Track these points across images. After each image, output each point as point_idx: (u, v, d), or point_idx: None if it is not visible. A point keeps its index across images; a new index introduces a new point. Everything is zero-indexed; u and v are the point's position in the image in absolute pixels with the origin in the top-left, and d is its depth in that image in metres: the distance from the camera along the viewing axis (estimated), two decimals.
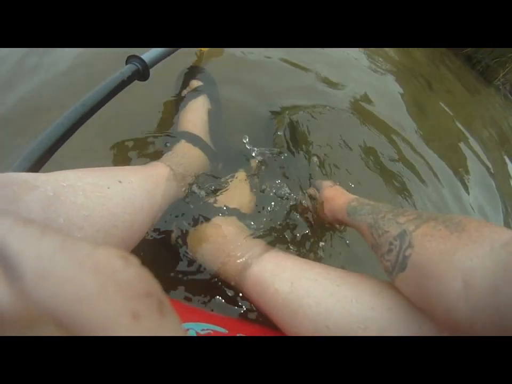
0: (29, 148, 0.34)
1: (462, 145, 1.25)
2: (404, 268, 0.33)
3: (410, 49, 1.69)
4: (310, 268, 0.40)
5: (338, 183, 0.59)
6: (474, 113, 1.79)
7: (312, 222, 0.59)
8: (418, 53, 1.76)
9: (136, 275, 0.12)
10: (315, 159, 0.69)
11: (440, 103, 1.42)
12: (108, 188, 0.34)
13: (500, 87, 2.72)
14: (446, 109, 1.40)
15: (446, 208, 0.90)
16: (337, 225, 0.59)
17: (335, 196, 0.54)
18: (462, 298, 0.26)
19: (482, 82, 2.48)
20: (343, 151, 0.76)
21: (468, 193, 1.04)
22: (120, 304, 0.11)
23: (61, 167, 0.32)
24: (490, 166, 1.28)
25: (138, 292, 0.12)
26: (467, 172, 1.15)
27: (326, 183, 0.59)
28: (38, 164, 0.35)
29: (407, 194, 0.81)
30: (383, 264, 0.36)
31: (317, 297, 0.37)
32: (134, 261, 0.13)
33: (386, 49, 1.47)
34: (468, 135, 1.35)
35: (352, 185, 0.68)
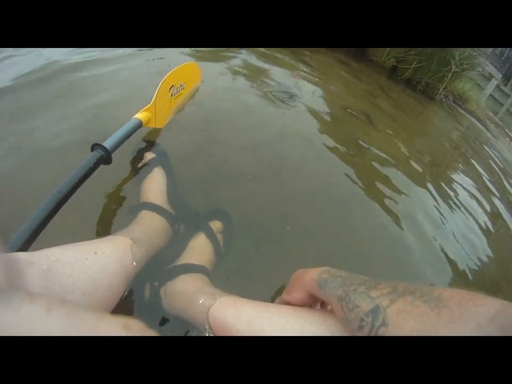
0: (19, 230, 0.43)
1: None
2: None
3: (347, 88, 1.91)
4: (264, 309, 0.46)
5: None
6: (419, 132, 1.96)
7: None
8: (356, 91, 1.98)
9: None
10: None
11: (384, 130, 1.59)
12: (87, 259, 0.43)
13: (443, 100, 3.00)
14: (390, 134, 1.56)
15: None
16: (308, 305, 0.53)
17: (305, 271, 0.54)
18: None
19: (425, 101, 2.74)
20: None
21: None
22: None
23: (45, 240, 0.41)
24: (433, 185, 1.42)
25: None
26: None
27: None
28: (27, 243, 0.44)
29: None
30: None
31: (270, 332, 0.42)
32: (137, 327, 0.13)
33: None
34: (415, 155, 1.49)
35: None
